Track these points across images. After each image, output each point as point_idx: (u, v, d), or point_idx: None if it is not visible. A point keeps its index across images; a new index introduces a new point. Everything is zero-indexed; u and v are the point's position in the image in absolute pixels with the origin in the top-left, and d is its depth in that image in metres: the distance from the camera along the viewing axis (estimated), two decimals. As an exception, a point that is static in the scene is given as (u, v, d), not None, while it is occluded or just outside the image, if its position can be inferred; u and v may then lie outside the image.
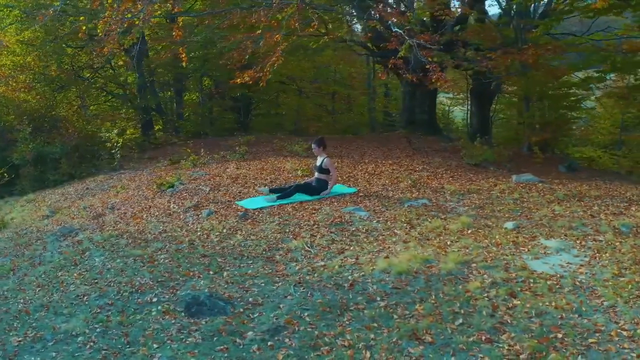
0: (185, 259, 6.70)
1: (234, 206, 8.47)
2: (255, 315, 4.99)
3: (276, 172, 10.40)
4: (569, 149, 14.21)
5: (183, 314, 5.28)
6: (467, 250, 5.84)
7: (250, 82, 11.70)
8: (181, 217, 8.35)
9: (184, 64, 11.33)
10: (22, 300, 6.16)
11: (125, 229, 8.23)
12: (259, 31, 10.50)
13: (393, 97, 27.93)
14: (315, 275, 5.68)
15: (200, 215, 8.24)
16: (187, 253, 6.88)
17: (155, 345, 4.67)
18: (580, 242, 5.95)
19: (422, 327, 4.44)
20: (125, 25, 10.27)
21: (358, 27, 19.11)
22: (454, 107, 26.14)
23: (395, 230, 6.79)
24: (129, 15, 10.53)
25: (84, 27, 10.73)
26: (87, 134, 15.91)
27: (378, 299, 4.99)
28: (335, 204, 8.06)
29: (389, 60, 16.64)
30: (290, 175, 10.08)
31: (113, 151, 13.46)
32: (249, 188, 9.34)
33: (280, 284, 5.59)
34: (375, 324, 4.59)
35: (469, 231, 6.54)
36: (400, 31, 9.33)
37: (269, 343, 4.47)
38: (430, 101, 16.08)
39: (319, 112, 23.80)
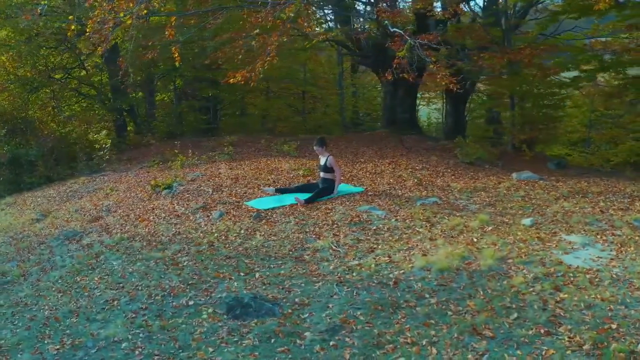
0: (210, 260, 6.62)
1: (243, 207, 8.41)
2: (305, 316, 4.99)
3: (274, 172, 10.36)
4: (548, 147, 14.71)
5: (226, 316, 5.23)
6: (498, 247, 6.00)
7: (242, 82, 11.63)
8: (191, 218, 8.24)
9: (176, 63, 11.14)
10: (45, 307, 5.98)
11: (135, 231, 8.05)
12: (257, 30, 10.44)
13: (361, 97, 28.22)
14: (354, 274, 5.72)
15: (211, 217, 8.15)
16: (210, 255, 6.80)
17: (210, 349, 4.62)
18: (601, 237, 6.20)
19: (480, 323, 4.55)
20: (120, 24, 10.00)
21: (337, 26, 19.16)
22: (420, 105, 26.51)
23: (417, 229, 6.89)
24: (122, 14, 10.30)
25: (72, 27, 10.38)
26: (63, 135, 15.47)
27: (427, 296, 5.08)
28: (347, 203, 8.11)
29: (369, 60, 16.91)
30: (290, 175, 10.06)
31: (102, 152, 13.11)
32: (253, 188, 9.28)
33: (320, 283, 5.61)
34: (432, 321, 4.67)
35: (489, 228, 6.71)
36: (400, 31, 9.44)
37: (331, 343, 4.49)
38: (411, 101, 16.34)
39: (287, 112, 23.72)
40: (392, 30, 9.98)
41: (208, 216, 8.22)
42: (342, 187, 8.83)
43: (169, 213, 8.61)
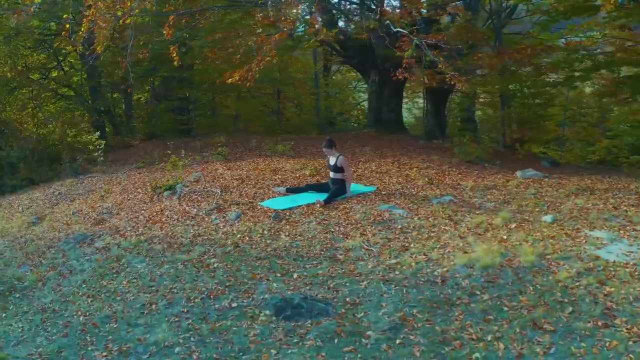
0: (239, 262, 6.56)
1: (258, 207, 8.35)
2: (361, 315, 5.01)
3: (278, 172, 10.31)
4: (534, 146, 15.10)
5: (275, 317, 5.20)
6: (530, 244, 6.14)
7: (240, 82, 11.57)
8: (206, 219, 8.13)
9: (175, 63, 10.97)
10: (77, 313, 5.82)
11: (150, 233, 7.90)
12: (259, 30, 10.39)
13: (333, 97, 28.28)
14: (397, 272, 5.77)
15: (227, 218, 8.06)
16: (238, 256, 6.74)
17: (273, 351, 4.59)
18: (625, 233, 6.41)
19: (538, 317, 4.67)
20: (120, 23, 9.83)
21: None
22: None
23: (442, 227, 6.99)
24: (119, 13, 10.09)
25: (67, 26, 10.14)
26: (43, 137, 15.00)
27: (477, 292, 5.17)
28: (365, 202, 8.15)
29: (354, 60, 16.99)
30: (296, 175, 10.04)
31: (95, 154, 12.80)
32: (262, 189, 9.22)
33: (365, 282, 5.63)
34: (490, 317, 4.76)
35: (513, 225, 6.86)
36: (406, 31, 9.56)
37: (397, 341, 4.52)
38: (397, 100, 16.52)
39: (259, 112, 23.56)
40: (394, 30, 10.09)
41: (224, 217, 8.12)
42: (354, 187, 8.87)
43: (181, 214, 8.47)
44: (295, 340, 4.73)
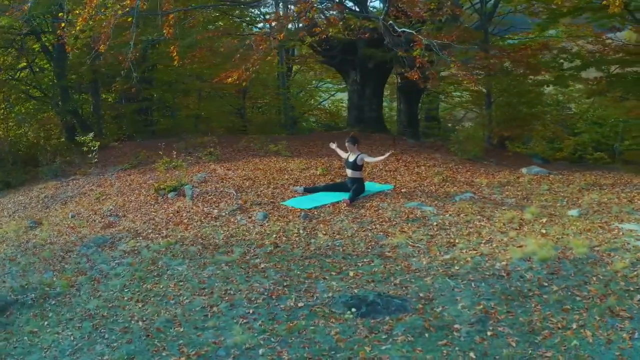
0: (287, 262, 6.52)
1: (282, 207, 8.29)
2: (439, 310, 5.09)
3: (284, 172, 10.25)
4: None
5: (350, 314, 5.20)
6: (574, 237, 6.40)
7: (237, 82, 11.49)
8: (232, 220, 8.01)
9: (175, 62, 10.75)
10: (132, 318, 5.63)
11: (177, 235, 7.71)
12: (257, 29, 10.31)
13: (295, 97, 28.23)
14: (456, 268, 5.88)
15: (253, 218, 7.96)
16: (282, 256, 6.69)
17: (367, 348, 4.60)
18: (652, 224, 6.81)
19: (612, 305, 4.89)
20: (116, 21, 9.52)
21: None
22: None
23: (477, 222, 7.17)
24: (120, 12, 9.78)
25: (62, 25, 9.76)
26: (16, 139, 14.34)
27: (545, 284, 5.35)
28: (389, 200, 8.24)
29: (334, 60, 17.06)
30: (305, 174, 10.01)
31: (90, 155, 12.33)
32: (278, 188, 9.16)
33: (428, 278, 5.72)
34: (567, 306, 4.94)
35: (544, 220, 7.12)
36: (413, 31, 9.72)
37: (488, 333, 4.63)
38: (378, 100, 16.72)
39: (221, 113, 23.27)
40: (399, 30, 10.23)
41: (250, 217, 8.02)
42: (371, 186, 8.95)
43: (202, 215, 8.30)
44: (384, 337, 4.76)
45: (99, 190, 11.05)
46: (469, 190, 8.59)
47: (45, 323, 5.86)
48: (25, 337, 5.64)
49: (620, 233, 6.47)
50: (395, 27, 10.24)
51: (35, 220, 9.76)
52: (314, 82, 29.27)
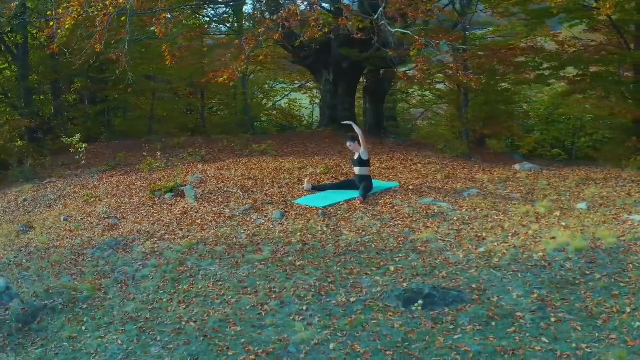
0: (321, 259, 6.54)
1: (296, 206, 8.28)
2: (495, 299, 5.25)
3: (282, 171, 10.22)
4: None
5: (404, 308, 5.28)
6: (595, 228, 6.73)
7: (227, 82, 11.42)
8: (247, 220, 7.94)
9: (167, 62, 10.53)
10: (181, 319, 5.50)
11: (195, 235, 7.59)
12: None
13: (256, 97, 28.08)
14: (496, 260, 6.07)
15: (270, 217, 7.92)
16: (315, 253, 6.70)
17: (441, 338, 4.69)
18: (659, 216, 7.26)
19: (655, 291, 5.21)
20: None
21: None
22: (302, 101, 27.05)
23: (495, 217, 7.41)
24: (112, 10, 9.51)
25: (51, 23, 9.40)
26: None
27: (587, 272, 5.61)
28: (402, 197, 8.38)
29: (308, 60, 17.10)
30: (305, 173, 10.01)
31: (77, 157, 11.83)
32: (285, 187, 9.13)
33: (473, 270, 5.88)
34: (616, 292, 5.21)
35: (558, 213, 7.45)
36: (409, 32, 9.94)
37: (552, 319, 4.81)
38: (351, 99, 16.90)
39: (175, 113, 22.85)
40: (393, 31, 10.42)
41: (266, 216, 7.97)
42: (378, 184, 9.07)
43: (214, 216, 8.18)
44: (451, 327, 4.86)
45: (82, 192, 10.67)
46: (473, 187, 8.86)
47: (83, 328, 5.63)
48: (65, 343, 5.40)
49: (636, 224, 6.85)
50: (389, 28, 10.42)
51: (26, 224, 9.32)
52: (268, 81, 29.15)
